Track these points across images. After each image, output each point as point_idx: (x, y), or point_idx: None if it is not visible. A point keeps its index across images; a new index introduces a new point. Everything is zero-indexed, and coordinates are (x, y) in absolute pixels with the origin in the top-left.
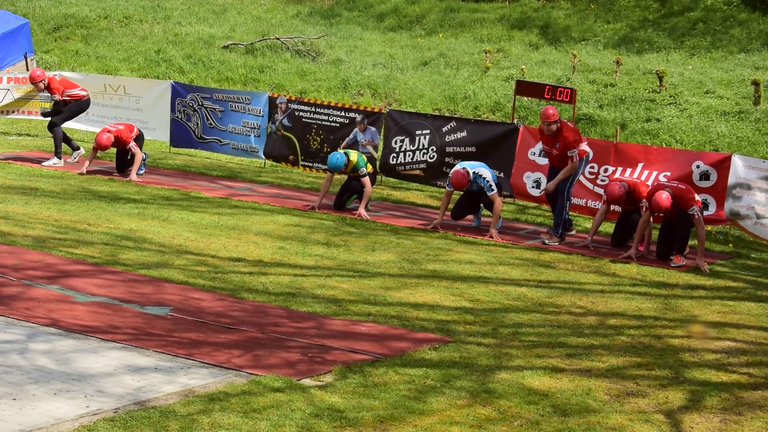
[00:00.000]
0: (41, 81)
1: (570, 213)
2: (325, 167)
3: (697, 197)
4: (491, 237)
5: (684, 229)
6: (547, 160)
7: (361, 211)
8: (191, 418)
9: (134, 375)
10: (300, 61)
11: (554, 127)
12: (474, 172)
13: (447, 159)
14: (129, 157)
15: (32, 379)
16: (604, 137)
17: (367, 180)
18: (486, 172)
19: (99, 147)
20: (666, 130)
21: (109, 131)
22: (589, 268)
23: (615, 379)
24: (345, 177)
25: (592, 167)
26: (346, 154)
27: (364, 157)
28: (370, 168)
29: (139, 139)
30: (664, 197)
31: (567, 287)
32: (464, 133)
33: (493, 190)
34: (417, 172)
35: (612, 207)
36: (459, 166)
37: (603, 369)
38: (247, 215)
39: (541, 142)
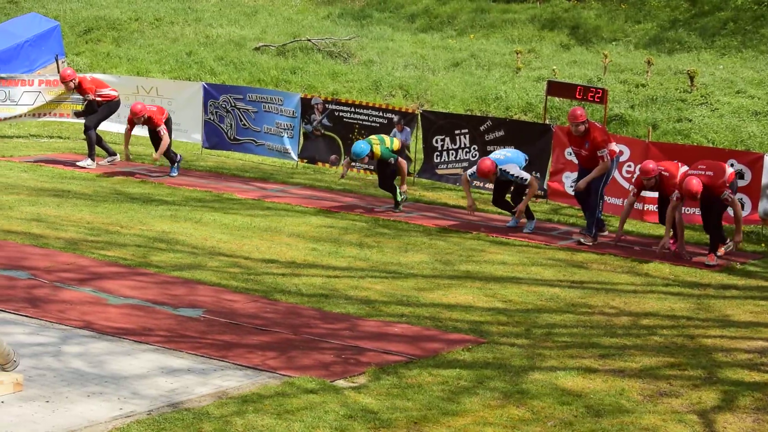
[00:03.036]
0: (72, 80)
1: (603, 213)
2: (368, 166)
3: (728, 171)
4: (516, 213)
5: (715, 216)
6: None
7: (404, 187)
8: (225, 420)
9: (168, 377)
10: (331, 63)
11: (582, 127)
12: (501, 169)
13: None
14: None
15: (66, 381)
16: (636, 137)
17: (401, 161)
18: (513, 168)
19: (132, 115)
20: (697, 130)
21: (143, 105)
22: (622, 269)
23: (648, 379)
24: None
25: (629, 166)
26: (369, 143)
27: (395, 140)
28: (397, 145)
29: (168, 123)
30: (695, 182)
31: (600, 288)
32: (502, 132)
33: (525, 181)
34: (459, 170)
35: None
36: (491, 156)
37: (636, 369)
38: (279, 217)
39: (570, 144)
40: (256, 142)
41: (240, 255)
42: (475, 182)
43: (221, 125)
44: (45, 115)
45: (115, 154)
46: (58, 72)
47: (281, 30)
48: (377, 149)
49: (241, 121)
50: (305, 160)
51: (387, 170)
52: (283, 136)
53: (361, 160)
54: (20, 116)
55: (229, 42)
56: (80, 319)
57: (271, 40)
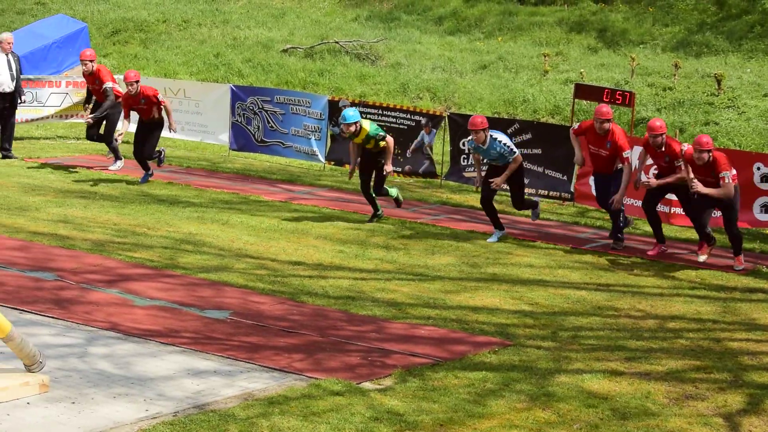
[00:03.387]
0: (91, 62)
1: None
2: (395, 168)
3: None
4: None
5: (727, 212)
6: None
7: (388, 167)
8: (251, 422)
9: (194, 378)
10: (359, 65)
11: (607, 126)
12: (492, 136)
13: None
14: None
15: (91, 382)
16: None
17: (388, 138)
18: (503, 137)
19: (126, 79)
20: (724, 133)
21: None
22: (649, 272)
23: (674, 382)
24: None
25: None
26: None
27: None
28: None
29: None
30: (704, 140)
31: (626, 290)
32: (529, 135)
33: (514, 152)
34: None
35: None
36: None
37: (662, 372)
38: (306, 219)
39: (585, 138)
40: (284, 144)
41: (267, 257)
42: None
43: (249, 127)
44: (72, 116)
45: (121, 159)
46: None
47: (309, 32)
48: (366, 126)
49: (269, 123)
50: (332, 162)
51: (378, 168)
52: (310, 138)
53: (343, 131)
54: (47, 117)
55: (257, 44)
56: (106, 320)
57: (298, 42)
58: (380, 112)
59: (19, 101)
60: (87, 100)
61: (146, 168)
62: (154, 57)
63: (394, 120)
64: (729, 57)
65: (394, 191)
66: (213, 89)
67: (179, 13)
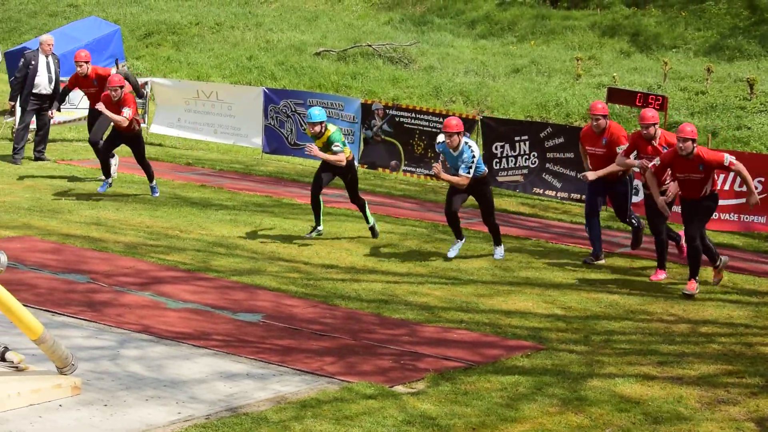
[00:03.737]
0: (86, 63)
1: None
2: (428, 172)
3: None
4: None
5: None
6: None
7: (314, 150)
8: (283, 425)
9: (226, 381)
10: (392, 68)
11: (603, 122)
12: (467, 143)
13: (548, 165)
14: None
15: (124, 385)
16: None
17: (341, 155)
18: (476, 149)
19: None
20: (756, 137)
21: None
22: (681, 276)
23: (706, 386)
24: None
25: None
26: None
27: (343, 138)
28: (348, 152)
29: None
30: (688, 128)
31: (659, 295)
32: (562, 139)
33: (468, 171)
34: (518, 178)
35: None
36: None
37: (694, 377)
38: (339, 222)
39: (583, 144)
40: None
41: (299, 260)
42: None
43: (282, 130)
44: None
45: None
46: None
47: (342, 35)
48: (331, 128)
49: (302, 126)
50: (365, 166)
51: (348, 180)
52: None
53: (308, 129)
54: (79, 119)
55: (290, 47)
56: (139, 323)
57: (331, 46)
58: (413, 115)
59: (57, 107)
60: (61, 100)
61: (107, 171)
62: (186, 60)
63: (426, 123)
64: (761, 61)
65: (372, 220)
66: (246, 92)
67: (212, 15)
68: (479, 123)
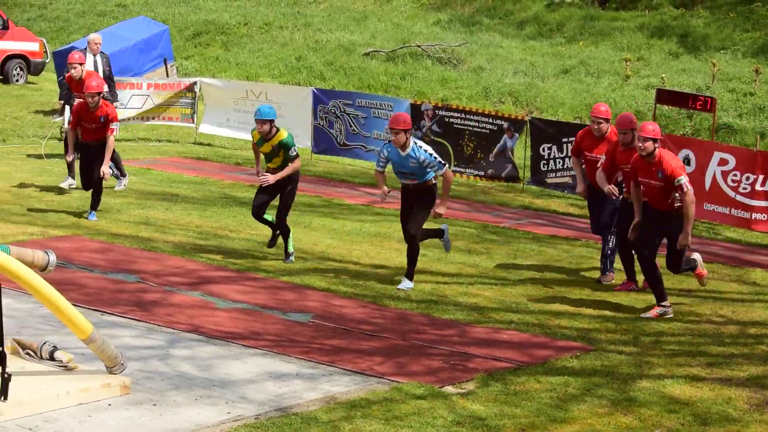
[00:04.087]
0: (80, 65)
1: (702, 221)
2: (477, 172)
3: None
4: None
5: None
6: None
7: (270, 179)
8: (333, 425)
9: (276, 381)
10: (441, 69)
11: (605, 127)
12: (416, 143)
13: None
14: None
15: (173, 384)
16: (744, 146)
17: (298, 162)
18: (429, 148)
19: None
20: None
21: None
22: (730, 277)
23: (755, 388)
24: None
25: (735, 175)
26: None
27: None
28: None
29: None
30: (650, 127)
31: (707, 296)
32: None
33: (443, 166)
34: (566, 179)
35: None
36: None
37: (743, 378)
38: (389, 222)
39: (582, 149)
40: (366, 148)
41: (349, 260)
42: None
43: (331, 130)
44: (153, 118)
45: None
46: (167, 76)
47: (391, 36)
48: (283, 133)
49: (351, 126)
50: None
51: (285, 193)
52: None
53: (258, 129)
54: (128, 119)
55: (339, 47)
56: (188, 322)
57: (380, 46)
58: (462, 116)
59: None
60: (62, 111)
61: (95, 203)
62: (235, 60)
63: (476, 124)
64: None
65: (291, 246)
66: (295, 92)
67: (260, 15)
68: (528, 124)
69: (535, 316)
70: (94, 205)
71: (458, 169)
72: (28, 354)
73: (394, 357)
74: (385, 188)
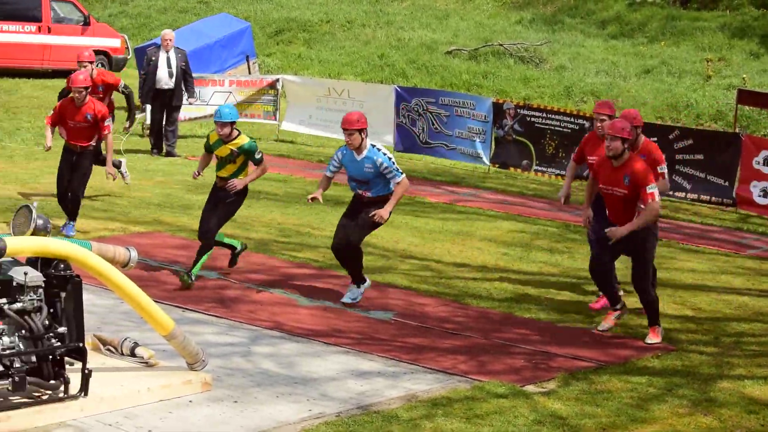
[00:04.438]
0: (90, 63)
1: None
2: (559, 172)
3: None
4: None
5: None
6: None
7: (237, 184)
8: (414, 423)
9: (357, 379)
10: (523, 68)
11: (609, 124)
12: (373, 145)
13: (677, 167)
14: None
15: (255, 381)
16: None
17: (264, 165)
18: (387, 151)
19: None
20: None
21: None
22: None
23: None
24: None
25: None
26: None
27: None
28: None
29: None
30: (620, 126)
31: None
32: (690, 141)
33: (401, 173)
34: None
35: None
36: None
37: None
38: (471, 221)
39: (585, 154)
40: (448, 146)
41: (431, 258)
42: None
43: (413, 128)
44: None
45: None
46: (249, 73)
47: (473, 34)
48: (245, 137)
49: (433, 124)
50: (497, 165)
51: (226, 203)
52: (474, 141)
53: (217, 130)
54: (210, 116)
55: (421, 45)
56: (270, 319)
57: (462, 44)
58: (544, 115)
59: (186, 100)
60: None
61: (73, 214)
62: (317, 57)
63: (558, 123)
64: None
65: (238, 244)
66: (377, 90)
67: (343, 13)
68: None
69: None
70: (72, 215)
71: (540, 168)
72: (109, 350)
73: (475, 355)
74: (320, 194)
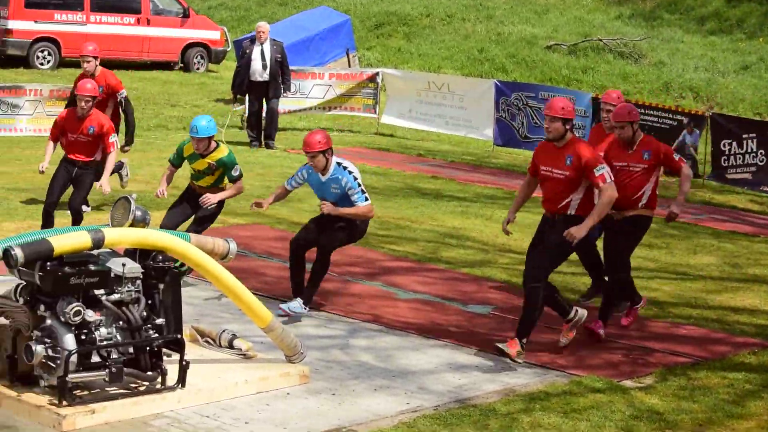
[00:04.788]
0: (94, 58)
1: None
2: None
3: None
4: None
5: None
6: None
7: (212, 199)
8: (511, 417)
9: (456, 373)
10: (622, 63)
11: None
12: (339, 162)
13: None
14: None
15: (353, 374)
16: None
17: (240, 183)
18: (354, 168)
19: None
20: None
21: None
22: None
23: None
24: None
25: None
26: (215, 128)
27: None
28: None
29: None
30: (560, 105)
31: None
32: None
33: (365, 199)
34: (746, 175)
35: None
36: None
37: None
38: None
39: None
40: None
41: None
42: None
43: (513, 123)
44: (335, 108)
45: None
46: (349, 66)
47: (572, 29)
48: (224, 149)
49: (533, 119)
50: None
51: (209, 213)
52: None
53: (193, 145)
54: (309, 109)
55: (521, 40)
56: (368, 312)
57: (561, 39)
58: (642, 111)
59: (282, 92)
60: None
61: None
62: (417, 51)
63: (656, 119)
64: None
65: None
66: (477, 84)
67: (443, 7)
68: (708, 120)
69: (714, 312)
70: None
71: None
72: (207, 342)
73: (574, 350)
74: (267, 202)
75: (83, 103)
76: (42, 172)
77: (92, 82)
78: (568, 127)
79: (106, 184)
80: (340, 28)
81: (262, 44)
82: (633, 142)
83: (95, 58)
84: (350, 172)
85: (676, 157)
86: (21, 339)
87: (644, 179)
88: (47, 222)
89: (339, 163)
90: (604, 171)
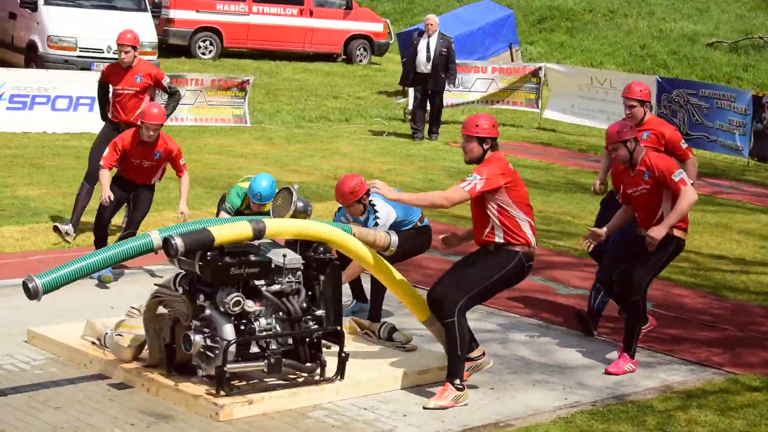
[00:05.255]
0: (133, 48)
1: None
2: None
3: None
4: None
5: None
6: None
7: (185, 206)
8: (668, 414)
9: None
10: None
11: (639, 112)
12: (373, 205)
13: None
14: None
15: (511, 369)
16: None
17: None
18: (382, 209)
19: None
20: None
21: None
22: None
23: None
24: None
25: None
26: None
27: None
28: None
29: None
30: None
31: None
32: None
33: (375, 224)
34: None
35: None
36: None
37: None
38: (730, 213)
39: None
40: (708, 138)
41: (689, 250)
42: None
43: (674, 119)
44: (498, 102)
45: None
46: (512, 60)
47: (733, 26)
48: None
49: (694, 116)
50: (755, 158)
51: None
52: (734, 134)
53: (253, 207)
54: (472, 102)
55: (682, 36)
56: (529, 307)
57: (723, 36)
58: None
59: (447, 85)
60: (104, 113)
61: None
62: (580, 46)
63: None
64: None
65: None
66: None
67: (605, 3)
68: None
69: None
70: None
71: None
72: (366, 334)
73: (731, 348)
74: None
75: (151, 132)
76: (108, 201)
77: (159, 107)
78: (487, 147)
79: (185, 208)
80: (503, 22)
81: (429, 37)
82: (634, 164)
83: (134, 48)
84: (377, 218)
85: (684, 145)
86: (179, 328)
87: (657, 198)
88: (101, 242)
89: (373, 205)
90: (683, 175)
